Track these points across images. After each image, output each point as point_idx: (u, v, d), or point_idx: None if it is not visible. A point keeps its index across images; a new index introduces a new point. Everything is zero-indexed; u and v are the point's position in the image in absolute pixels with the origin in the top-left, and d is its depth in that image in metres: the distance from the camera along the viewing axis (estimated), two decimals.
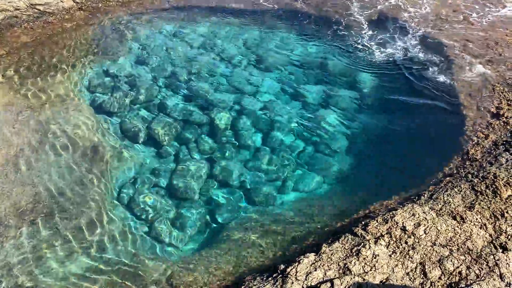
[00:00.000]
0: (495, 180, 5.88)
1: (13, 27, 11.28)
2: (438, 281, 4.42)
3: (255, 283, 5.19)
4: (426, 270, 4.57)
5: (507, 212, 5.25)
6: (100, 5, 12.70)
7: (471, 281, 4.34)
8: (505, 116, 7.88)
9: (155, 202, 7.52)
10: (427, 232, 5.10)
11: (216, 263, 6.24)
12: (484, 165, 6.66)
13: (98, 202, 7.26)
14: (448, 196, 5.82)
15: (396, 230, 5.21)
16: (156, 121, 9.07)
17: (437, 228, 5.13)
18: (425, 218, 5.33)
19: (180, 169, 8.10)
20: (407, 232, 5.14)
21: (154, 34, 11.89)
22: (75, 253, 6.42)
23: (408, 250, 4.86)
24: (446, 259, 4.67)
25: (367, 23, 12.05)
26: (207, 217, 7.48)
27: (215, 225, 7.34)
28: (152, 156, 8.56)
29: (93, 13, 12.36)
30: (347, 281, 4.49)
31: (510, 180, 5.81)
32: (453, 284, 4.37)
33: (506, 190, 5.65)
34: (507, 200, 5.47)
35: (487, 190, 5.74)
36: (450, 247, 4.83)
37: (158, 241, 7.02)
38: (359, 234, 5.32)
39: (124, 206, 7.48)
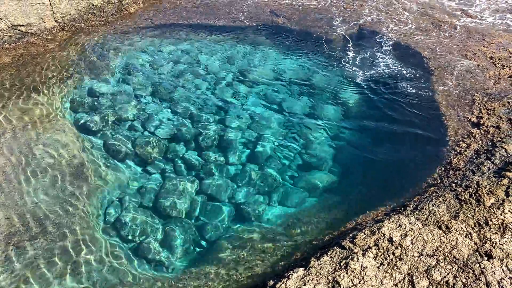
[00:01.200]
0: (478, 188, 5.98)
1: None
2: None
3: None
4: (414, 280, 4.60)
5: (490, 220, 5.33)
6: (82, 25, 12.70)
7: None
8: (485, 125, 8.05)
9: (141, 221, 7.45)
10: (413, 242, 5.15)
11: (205, 281, 6.19)
12: (467, 174, 6.77)
13: (83, 223, 7.16)
14: (433, 206, 5.89)
15: (383, 241, 5.24)
16: (141, 139, 9.03)
17: (423, 238, 5.18)
18: (412, 229, 5.38)
19: (166, 187, 8.05)
20: (394, 243, 5.17)
21: (138, 52, 11.91)
22: (62, 275, 6.30)
23: (396, 261, 4.89)
24: (433, 269, 4.71)
25: (349, 37, 12.26)
26: (195, 234, 7.43)
27: (203, 243, 7.29)
28: (138, 174, 8.51)
29: (75, 33, 12.34)
30: None
31: (493, 188, 5.91)
32: None
33: (489, 198, 5.75)
34: (490, 208, 5.56)
35: (471, 199, 5.83)
36: (437, 257, 4.88)
37: (146, 260, 6.93)
38: (347, 247, 5.34)
39: (110, 226, 7.39)
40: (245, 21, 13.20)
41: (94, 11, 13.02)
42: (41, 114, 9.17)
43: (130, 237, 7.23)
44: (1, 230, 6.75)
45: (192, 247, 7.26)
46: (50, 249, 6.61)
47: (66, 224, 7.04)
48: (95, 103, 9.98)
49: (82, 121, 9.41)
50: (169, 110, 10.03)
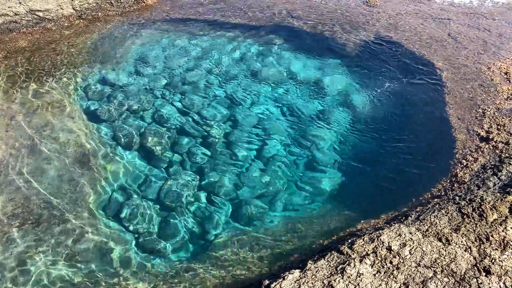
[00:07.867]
0: (482, 203, 5.93)
1: (11, 31, 11.35)
2: None
3: None
4: None
5: (492, 236, 5.29)
6: (99, 14, 12.81)
7: None
8: (495, 140, 7.97)
9: (143, 212, 7.50)
10: (412, 252, 5.12)
11: (201, 276, 6.22)
12: (472, 188, 6.72)
13: (86, 210, 7.23)
14: (435, 217, 5.86)
15: (381, 249, 5.22)
16: (149, 131, 9.10)
17: (422, 249, 5.16)
18: (411, 239, 5.35)
19: (171, 180, 8.10)
20: (392, 252, 5.16)
21: (152, 45, 11.98)
22: (60, 261, 6.37)
23: (393, 270, 4.87)
24: (429, 280, 4.69)
25: (365, 44, 12.21)
26: (194, 229, 7.46)
27: (202, 239, 7.31)
28: (144, 165, 8.56)
29: (92, 21, 12.46)
30: None
31: (497, 204, 5.86)
32: None
33: (492, 213, 5.70)
34: (493, 224, 5.51)
35: (474, 213, 5.78)
36: (434, 269, 4.85)
37: (144, 251, 6.97)
38: (345, 252, 5.33)
39: (112, 215, 7.44)
40: (260, 21, 13.21)
41: (112, 1, 13.13)
42: (52, 99, 9.27)
43: (131, 227, 7.28)
44: (5, 211, 6.85)
45: (190, 242, 7.29)
46: (52, 234, 6.70)
47: (68, 210, 7.12)
48: (107, 92, 10.07)
49: (92, 109, 9.49)
50: (179, 103, 10.07)
